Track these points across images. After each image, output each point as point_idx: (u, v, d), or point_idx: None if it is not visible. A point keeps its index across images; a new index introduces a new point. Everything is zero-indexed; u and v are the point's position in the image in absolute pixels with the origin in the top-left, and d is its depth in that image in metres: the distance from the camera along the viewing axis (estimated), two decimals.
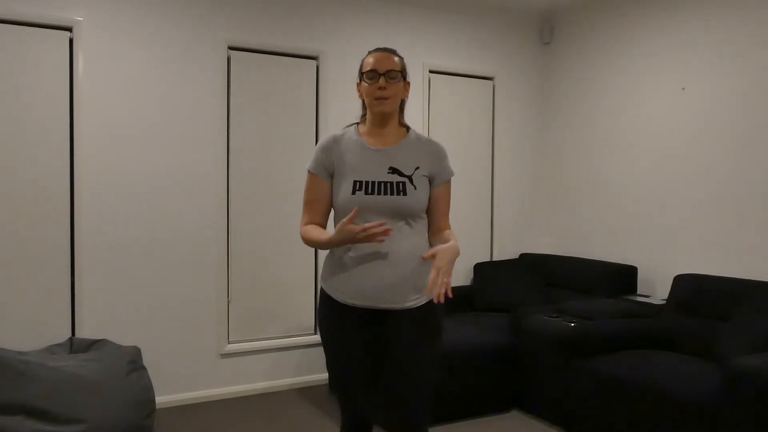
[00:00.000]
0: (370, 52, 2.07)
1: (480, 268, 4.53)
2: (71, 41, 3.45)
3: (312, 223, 2.09)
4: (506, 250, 4.84)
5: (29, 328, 3.37)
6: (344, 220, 1.88)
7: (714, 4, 3.71)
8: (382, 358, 2.03)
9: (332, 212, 2.13)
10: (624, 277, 4.03)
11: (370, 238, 1.85)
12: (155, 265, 3.67)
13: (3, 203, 3.31)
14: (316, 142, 4.11)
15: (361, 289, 1.97)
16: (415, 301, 2.00)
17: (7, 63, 3.30)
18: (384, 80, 1.98)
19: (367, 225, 1.85)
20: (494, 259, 4.79)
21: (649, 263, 4.09)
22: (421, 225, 2.06)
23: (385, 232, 1.85)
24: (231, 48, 3.86)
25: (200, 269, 3.79)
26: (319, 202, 2.07)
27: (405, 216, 1.99)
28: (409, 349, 1.99)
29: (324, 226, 2.11)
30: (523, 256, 4.80)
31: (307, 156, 4.08)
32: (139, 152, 3.62)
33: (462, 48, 4.62)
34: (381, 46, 2.17)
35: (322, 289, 2.10)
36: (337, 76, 4.16)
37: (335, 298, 2.03)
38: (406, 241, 1.99)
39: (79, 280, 3.47)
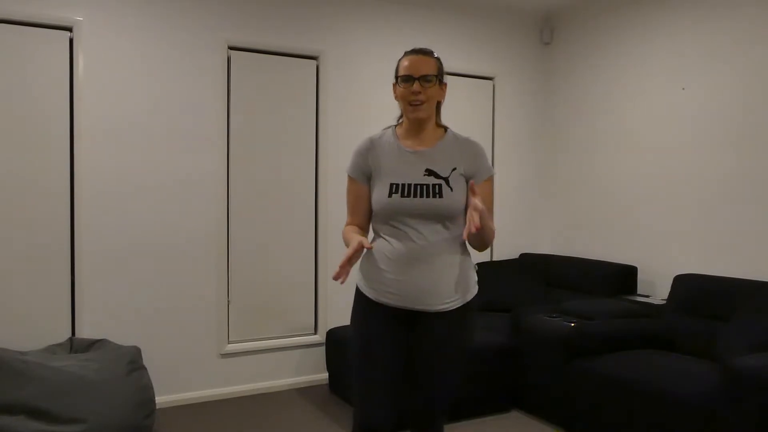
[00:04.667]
0: (406, 53, 2.03)
1: (480, 268, 4.52)
2: (71, 41, 3.45)
3: (354, 224, 2.11)
4: (506, 250, 4.83)
5: (29, 328, 3.37)
6: (352, 259, 1.85)
7: (714, 4, 3.71)
8: (411, 358, 2.04)
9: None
10: (624, 277, 4.03)
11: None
12: (155, 264, 3.67)
13: (3, 203, 3.31)
14: (316, 143, 4.12)
15: (396, 290, 1.97)
16: (449, 304, 2.00)
17: (7, 63, 3.29)
18: (419, 85, 1.96)
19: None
20: (494, 259, 4.79)
21: (649, 263, 4.09)
22: (458, 227, 2.04)
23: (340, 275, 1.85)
24: (231, 48, 3.86)
25: (200, 269, 3.79)
26: (358, 205, 2.08)
27: (442, 218, 1.98)
28: (438, 351, 2.01)
29: (366, 226, 2.12)
30: (523, 256, 4.80)
31: (306, 156, 4.09)
32: (139, 152, 3.62)
33: (462, 48, 4.62)
34: (410, 47, 2.10)
35: (357, 286, 2.11)
36: (337, 76, 4.16)
37: (368, 296, 2.04)
38: (443, 243, 1.99)
39: (79, 280, 3.47)
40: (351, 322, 2.12)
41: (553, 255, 4.63)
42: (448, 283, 1.99)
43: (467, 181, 2.02)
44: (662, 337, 3.44)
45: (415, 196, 1.96)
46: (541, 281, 4.44)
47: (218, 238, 3.83)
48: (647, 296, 3.95)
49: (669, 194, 3.97)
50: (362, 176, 2.07)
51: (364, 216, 2.11)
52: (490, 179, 2.06)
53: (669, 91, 3.98)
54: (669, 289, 3.73)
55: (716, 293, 3.38)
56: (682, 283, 3.58)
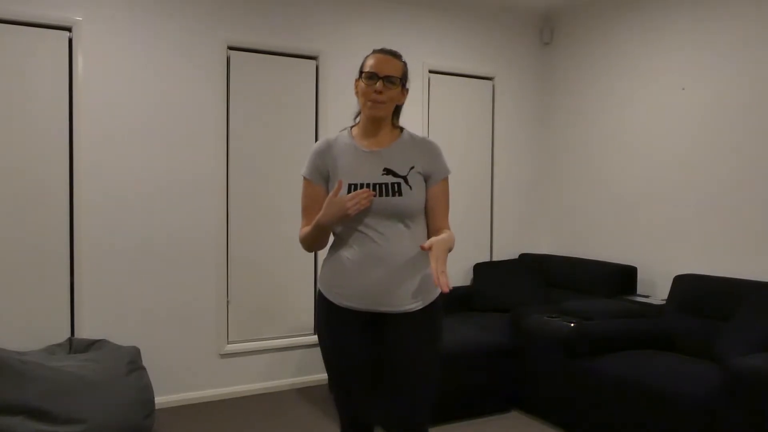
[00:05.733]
0: (374, 51, 2.03)
1: (480, 268, 4.53)
2: (71, 41, 3.45)
3: None
4: (506, 250, 4.83)
5: (29, 328, 3.37)
6: (331, 193, 1.89)
7: (714, 4, 3.71)
8: (382, 360, 2.02)
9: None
10: (624, 277, 4.03)
11: (360, 205, 1.88)
12: (155, 265, 3.67)
13: (2, 203, 3.31)
14: (316, 142, 4.11)
15: (359, 292, 1.96)
16: (414, 304, 1.98)
17: (6, 63, 3.29)
18: (381, 84, 1.95)
19: (353, 193, 1.88)
20: (494, 259, 4.79)
21: (649, 263, 4.09)
22: (419, 226, 2.03)
23: (369, 196, 1.90)
24: (231, 48, 3.86)
25: (200, 269, 3.79)
26: (316, 208, 2.03)
27: (402, 217, 1.97)
28: (410, 352, 1.98)
29: None
30: (523, 256, 4.80)
31: (305, 157, 4.08)
32: (139, 152, 3.62)
33: (462, 48, 4.62)
34: (382, 46, 2.13)
35: (319, 291, 2.08)
36: (336, 76, 4.16)
37: (333, 301, 2.02)
38: (404, 242, 1.97)
39: (79, 280, 3.47)
40: (317, 329, 2.09)
41: (553, 255, 4.63)
42: (411, 283, 1.97)
43: (426, 180, 2.04)
44: (662, 337, 3.43)
45: (374, 195, 1.95)
46: (541, 281, 4.44)
47: (218, 238, 3.83)
48: (647, 296, 3.95)
49: (669, 194, 3.97)
50: (319, 178, 2.05)
51: None
52: (446, 179, 2.07)
53: (669, 92, 3.98)
54: (669, 289, 3.73)
55: (716, 293, 3.38)
56: (682, 283, 3.58)
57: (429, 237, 2.07)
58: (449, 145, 4.55)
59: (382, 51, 2.02)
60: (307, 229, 2.01)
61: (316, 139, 4.12)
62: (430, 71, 4.47)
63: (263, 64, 3.95)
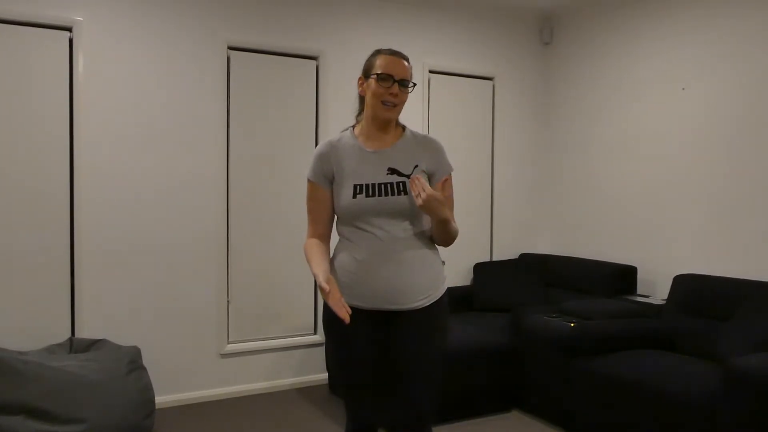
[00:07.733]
0: (382, 52, 2.02)
1: (480, 268, 4.53)
2: (71, 41, 3.45)
3: (316, 235, 2.07)
4: (506, 250, 4.84)
5: (29, 328, 3.37)
6: (331, 289, 1.81)
7: (714, 4, 3.71)
8: (388, 358, 2.02)
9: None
10: (624, 277, 4.03)
11: (338, 311, 1.81)
12: (155, 264, 3.67)
13: (2, 203, 3.31)
14: (316, 143, 4.11)
15: (366, 291, 1.96)
16: (422, 301, 1.99)
17: (7, 63, 3.29)
18: (397, 87, 1.97)
19: (338, 306, 1.80)
20: (494, 259, 4.79)
21: (649, 263, 4.09)
22: (425, 224, 2.04)
23: (346, 319, 1.80)
24: (231, 48, 3.86)
25: (200, 269, 3.79)
26: (321, 211, 2.05)
27: (408, 215, 1.98)
28: (416, 350, 1.99)
29: (328, 235, 2.09)
30: (523, 256, 4.80)
31: (306, 157, 4.08)
32: (139, 152, 3.62)
33: (462, 48, 4.62)
34: (387, 47, 2.13)
35: None
36: (337, 76, 4.16)
37: None
38: (411, 240, 1.98)
39: (79, 280, 3.47)
40: (325, 329, 2.08)
41: (552, 255, 4.63)
42: (418, 281, 1.98)
43: (429, 178, 2.04)
44: (662, 337, 3.44)
45: (380, 195, 1.96)
46: (541, 281, 4.44)
47: (218, 237, 3.83)
48: (647, 296, 3.95)
49: (669, 194, 3.97)
50: (324, 180, 2.05)
51: (326, 224, 2.08)
52: (450, 177, 2.06)
53: (669, 91, 3.98)
54: (669, 289, 3.73)
55: (716, 293, 3.38)
56: (682, 283, 3.58)
57: (433, 234, 2.07)
58: (449, 145, 4.49)
59: (392, 53, 2.02)
60: (309, 257, 1.99)
61: (317, 140, 4.12)
62: (430, 71, 4.47)
63: (263, 64, 3.95)
